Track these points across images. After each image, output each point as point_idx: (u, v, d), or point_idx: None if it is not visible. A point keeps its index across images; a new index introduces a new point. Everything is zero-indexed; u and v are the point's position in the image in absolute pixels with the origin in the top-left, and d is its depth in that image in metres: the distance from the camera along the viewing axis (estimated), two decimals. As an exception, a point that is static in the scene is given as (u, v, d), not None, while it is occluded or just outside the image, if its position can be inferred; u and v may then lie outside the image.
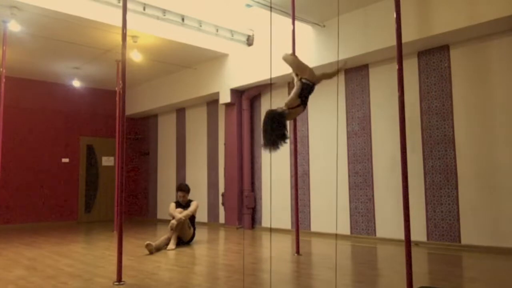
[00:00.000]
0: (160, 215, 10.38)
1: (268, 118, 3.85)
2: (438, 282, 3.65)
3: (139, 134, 11.30)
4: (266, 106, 8.13)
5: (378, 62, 6.43)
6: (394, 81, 3.86)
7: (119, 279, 3.73)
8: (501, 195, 5.12)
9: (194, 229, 6.32)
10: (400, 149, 3.40)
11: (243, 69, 7.99)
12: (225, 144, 8.63)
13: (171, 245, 5.73)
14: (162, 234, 6.27)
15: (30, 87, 9.51)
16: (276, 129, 3.82)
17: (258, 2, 5.79)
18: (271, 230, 7.70)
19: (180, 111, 10.13)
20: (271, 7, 5.64)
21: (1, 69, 6.45)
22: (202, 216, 9.14)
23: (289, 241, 6.48)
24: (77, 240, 7.12)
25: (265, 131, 3.91)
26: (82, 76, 9.34)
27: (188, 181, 9.70)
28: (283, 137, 3.80)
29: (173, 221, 5.86)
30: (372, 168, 6.40)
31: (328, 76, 4.23)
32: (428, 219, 5.73)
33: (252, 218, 8.12)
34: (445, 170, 5.62)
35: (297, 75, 4.55)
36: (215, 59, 8.42)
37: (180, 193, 6.40)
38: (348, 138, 6.73)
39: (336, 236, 6.51)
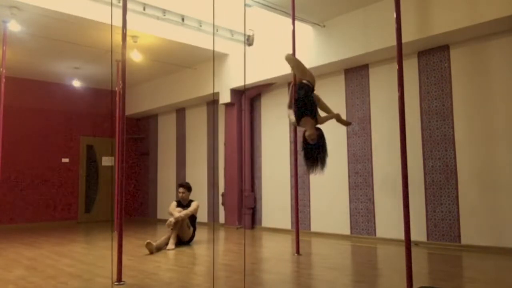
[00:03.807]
0: (160, 215, 10.38)
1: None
2: (438, 282, 3.65)
3: (139, 134, 11.30)
4: (266, 106, 8.13)
5: (378, 62, 6.43)
6: (394, 81, 3.86)
7: (119, 279, 3.73)
8: (501, 195, 5.12)
9: (195, 229, 6.31)
10: (400, 149, 3.40)
11: (243, 69, 7.99)
12: (225, 144, 8.63)
13: (170, 244, 5.73)
14: (162, 234, 6.27)
15: (30, 87, 9.51)
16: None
17: (258, 2, 5.79)
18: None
19: (180, 111, 10.13)
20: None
21: (1, 69, 6.45)
22: (202, 216, 9.13)
23: (289, 241, 6.49)
24: (77, 240, 7.12)
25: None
26: (82, 76, 9.34)
27: (188, 181, 9.68)
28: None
29: (171, 219, 5.85)
30: (372, 168, 6.39)
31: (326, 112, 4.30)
32: (428, 219, 5.73)
33: (252, 218, 8.13)
34: (445, 170, 5.62)
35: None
36: (215, 59, 8.41)
37: (181, 189, 6.41)
38: (348, 138, 6.73)
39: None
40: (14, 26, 6.23)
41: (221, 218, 8.70)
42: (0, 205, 8.89)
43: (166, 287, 3.64)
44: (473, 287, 3.53)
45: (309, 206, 7.19)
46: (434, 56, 5.86)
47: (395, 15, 3.53)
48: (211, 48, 7.74)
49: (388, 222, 6.13)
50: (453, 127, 5.60)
